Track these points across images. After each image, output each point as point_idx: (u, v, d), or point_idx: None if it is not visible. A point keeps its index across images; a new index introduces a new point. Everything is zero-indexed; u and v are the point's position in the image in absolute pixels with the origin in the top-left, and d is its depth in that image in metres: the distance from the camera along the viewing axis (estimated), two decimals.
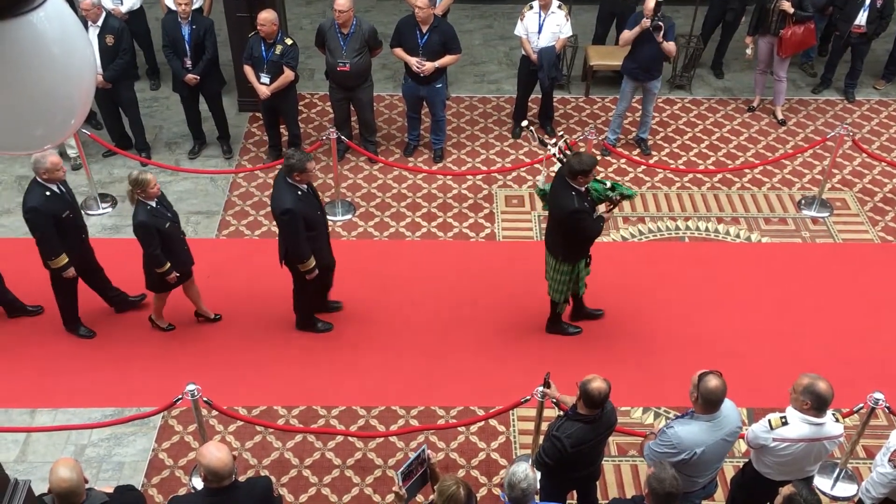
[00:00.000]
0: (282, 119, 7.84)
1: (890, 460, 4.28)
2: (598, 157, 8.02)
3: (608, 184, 5.72)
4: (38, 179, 5.51)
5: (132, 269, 6.08)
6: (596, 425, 4.27)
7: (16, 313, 6.31)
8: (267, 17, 7.12)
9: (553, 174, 5.69)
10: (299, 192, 5.52)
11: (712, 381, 4.06)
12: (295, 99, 7.77)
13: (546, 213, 5.93)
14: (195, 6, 7.87)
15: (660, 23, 7.30)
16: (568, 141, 6.08)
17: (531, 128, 6.57)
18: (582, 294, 6.04)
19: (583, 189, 5.45)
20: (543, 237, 5.97)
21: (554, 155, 5.81)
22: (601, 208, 5.61)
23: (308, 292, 6.04)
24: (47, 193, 5.51)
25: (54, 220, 5.53)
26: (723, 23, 9.07)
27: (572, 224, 5.49)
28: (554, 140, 6.11)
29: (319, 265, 5.78)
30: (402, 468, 4.16)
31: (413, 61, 7.45)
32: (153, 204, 5.53)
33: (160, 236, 5.56)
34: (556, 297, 5.95)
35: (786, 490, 3.83)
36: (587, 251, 5.78)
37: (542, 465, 4.40)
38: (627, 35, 7.53)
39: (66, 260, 5.68)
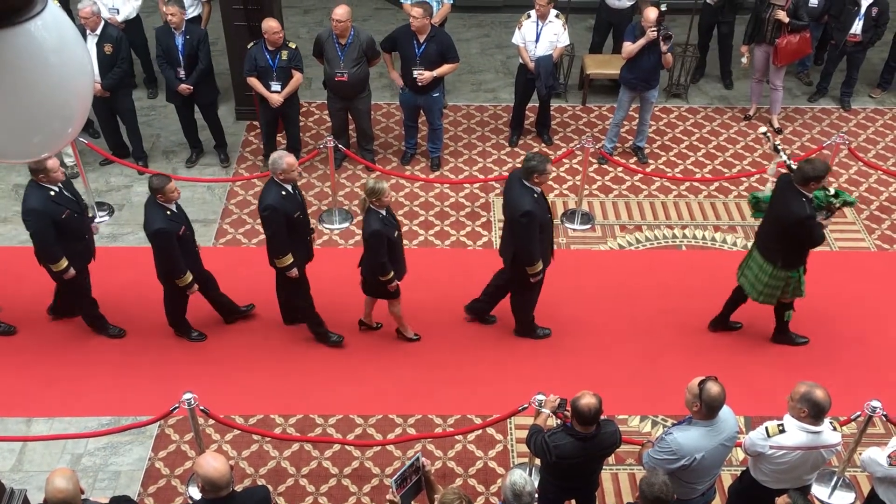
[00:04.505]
0: (282, 125, 7.85)
1: (889, 456, 4.30)
2: (594, 165, 8.07)
3: (832, 190, 5.70)
4: (276, 179, 5.53)
5: (133, 277, 6.11)
6: (588, 444, 4.23)
7: (232, 316, 6.39)
8: (273, 25, 7.14)
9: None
10: (535, 195, 5.54)
11: (714, 388, 4.07)
12: (298, 102, 7.82)
13: (757, 220, 5.93)
14: (191, 16, 7.89)
15: (669, 32, 7.32)
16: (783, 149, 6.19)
17: (768, 134, 6.54)
18: (802, 296, 5.99)
19: (810, 195, 5.44)
20: (755, 242, 5.93)
21: (784, 161, 5.84)
22: (820, 215, 5.61)
23: (534, 297, 6.06)
24: (283, 193, 5.53)
25: (287, 219, 5.56)
26: (718, 34, 9.11)
27: (804, 231, 5.46)
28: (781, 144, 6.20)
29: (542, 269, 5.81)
30: (396, 476, 4.16)
31: (397, 78, 7.55)
32: (383, 213, 5.53)
33: (388, 245, 5.56)
34: (767, 301, 5.93)
35: (781, 500, 3.85)
36: (806, 258, 5.75)
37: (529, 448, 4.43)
38: (631, 47, 7.49)
39: (292, 259, 5.70)
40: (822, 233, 5.55)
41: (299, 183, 6.62)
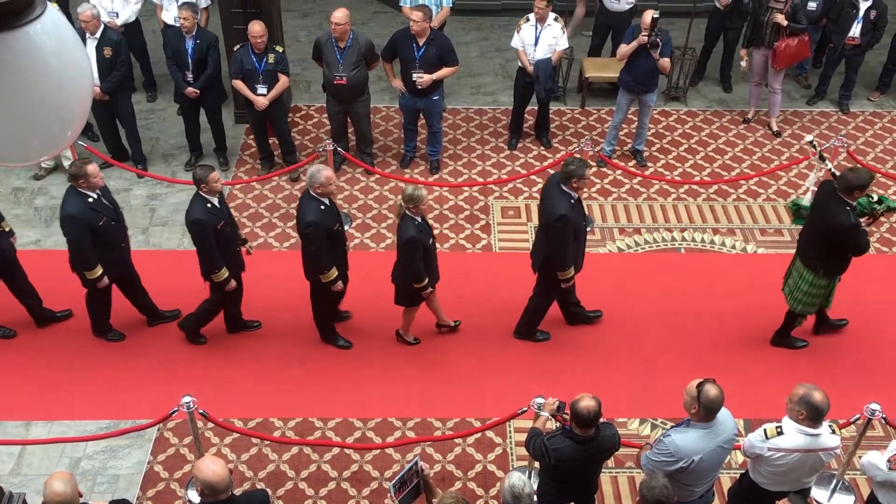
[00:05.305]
0: (271, 128, 7.85)
1: (888, 460, 4.31)
2: (593, 168, 8.07)
3: (875, 197, 5.72)
4: (313, 193, 5.50)
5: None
6: (587, 446, 4.23)
7: (237, 330, 6.33)
8: (257, 29, 7.16)
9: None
10: (571, 201, 5.54)
11: (712, 390, 4.07)
12: (285, 106, 7.82)
13: (797, 226, 5.93)
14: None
15: (657, 39, 7.33)
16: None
17: (814, 142, 6.54)
18: (828, 307, 6.03)
19: (854, 203, 5.44)
20: (797, 251, 5.91)
21: (830, 170, 5.84)
22: (861, 222, 5.61)
23: (550, 302, 6.09)
24: (322, 207, 5.52)
25: (327, 233, 5.54)
26: (724, 40, 9.12)
27: (848, 239, 5.45)
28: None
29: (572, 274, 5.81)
30: (395, 479, 4.16)
31: (400, 85, 7.54)
32: (419, 220, 5.52)
33: (423, 252, 5.56)
34: (806, 310, 5.93)
35: None
36: (848, 266, 5.72)
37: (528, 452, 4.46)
38: (625, 49, 7.55)
39: (336, 274, 5.68)
40: (867, 240, 5.52)
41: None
